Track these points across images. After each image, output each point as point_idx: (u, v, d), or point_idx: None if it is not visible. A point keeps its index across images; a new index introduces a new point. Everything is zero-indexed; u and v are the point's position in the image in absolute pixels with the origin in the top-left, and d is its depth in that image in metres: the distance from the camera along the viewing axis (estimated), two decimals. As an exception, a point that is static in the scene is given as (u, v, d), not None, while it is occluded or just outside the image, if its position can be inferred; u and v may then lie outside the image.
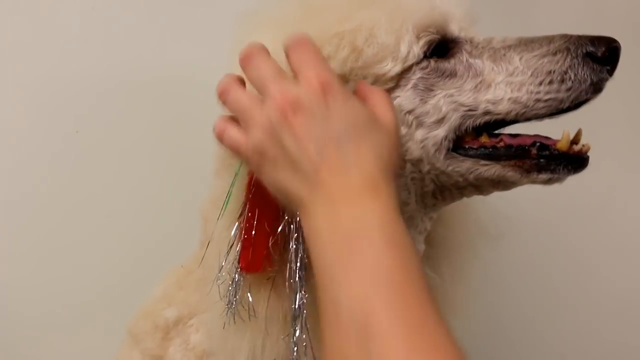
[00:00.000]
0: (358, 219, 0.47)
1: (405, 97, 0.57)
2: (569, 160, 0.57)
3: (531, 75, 0.57)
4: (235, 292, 0.56)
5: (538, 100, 0.56)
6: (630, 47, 1.13)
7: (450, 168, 0.58)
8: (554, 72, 0.56)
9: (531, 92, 0.56)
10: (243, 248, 0.56)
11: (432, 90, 0.57)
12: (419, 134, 0.57)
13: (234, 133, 0.53)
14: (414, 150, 0.57)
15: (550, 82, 0.56)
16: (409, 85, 0.57)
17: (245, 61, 0.53)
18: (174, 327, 0.69)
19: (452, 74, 0.58)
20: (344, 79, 0.55)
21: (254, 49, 0.53)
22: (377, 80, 0.56)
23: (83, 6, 0.94)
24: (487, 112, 0.57)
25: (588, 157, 0.58)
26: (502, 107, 0.57)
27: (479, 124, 0.58)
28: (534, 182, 0.58)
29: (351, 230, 0.47)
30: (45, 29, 0.94)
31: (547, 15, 1.12)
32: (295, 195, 0.50)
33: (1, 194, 0.94)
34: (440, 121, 0.57)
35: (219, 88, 0.54)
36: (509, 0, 1.10)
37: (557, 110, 0.57)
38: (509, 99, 0.57)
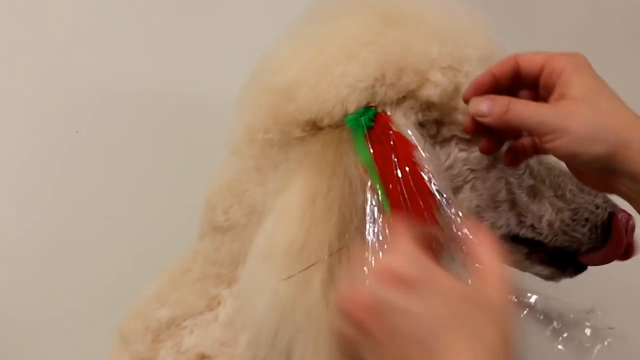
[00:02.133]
0: None
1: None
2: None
3: (572, 210, 0.58)
4: None
5: (565, 232, 0.58)
6: (630, 47, 1.14)
7: None
8: (588, 220, 0.58)
9: (563, 221, 0.58)
10: None
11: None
12: None
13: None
14: None
15: (583, 225, 0.58)
16: None
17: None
18: (166, 329, 0.65)
19: None
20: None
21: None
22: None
23: (83, 6, 0.95)
24: (532, 227, 0.58)
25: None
26: (542, 226, 0.58)
27: (518, 235, 0.59)
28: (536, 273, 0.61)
29: None
30: (45, 29, 0.94)
31: (547, 15, 1.12)
32: None
33: (1, 194, 0.94)
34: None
35: None
36: (509, 0, 1.10)
37: (571, 247, 0.59)
38: (547, 219, 0.58)
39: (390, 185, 0.49)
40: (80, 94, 0.95)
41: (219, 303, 0.63)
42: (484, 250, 0.45)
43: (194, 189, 0.99)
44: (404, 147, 0.51)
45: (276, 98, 0.56)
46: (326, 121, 0.54)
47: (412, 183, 0.49)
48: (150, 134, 0.98)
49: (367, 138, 0.52)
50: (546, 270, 0.61)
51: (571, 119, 0.48)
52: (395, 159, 0.50)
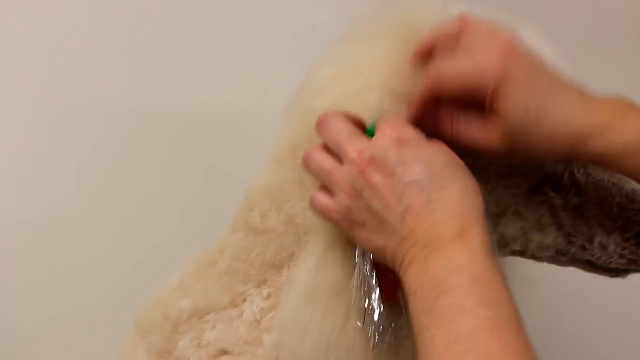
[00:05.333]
0: (446, 264, 0.45)
1: None
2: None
3: (620, 227, 0.57)
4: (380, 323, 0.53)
5: (622, 255, 0.57)
6: (630, 47, 1.14)
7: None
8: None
9: (617, 244, 0.57)
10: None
11: None
12: None
13: (322, 199, 0.52)
14: None
15: (637, 244, 0.57)
16: None
17: (320, 127, 0.52)
18: (187, 321, 0.65)
19: None
20: None
21: (327, 114, 0.52)
22: None
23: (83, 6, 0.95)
24: (582, 247, 0.58)
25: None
26: (593, 247, 0.58)
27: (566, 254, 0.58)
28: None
29: (439, 277, 0.45)
30: (45, 30, 0.94)
31: (547, 15, 1.12)
32: (388, 250, 0.48)
33: (2, 194, 0.94)
34: None
35: (304, 156, 0.53)
36: (509, 1, 1.09)
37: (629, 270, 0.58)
38: (599, 241, 0.57)
39: None
40: (81, 94, 0.95)
41: (244, 300, 0.63)
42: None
43: (194, 189, 0.99)
44: None
45: (314, 121, 0.56)
46: None
47: None
48: (150, 134, 0.97)
49: None
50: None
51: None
52: None
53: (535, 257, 0.59)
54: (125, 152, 0.97)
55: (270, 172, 0.61)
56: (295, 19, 1.00)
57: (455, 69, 0.51)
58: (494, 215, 0.56)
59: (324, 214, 0.53)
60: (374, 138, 0.50)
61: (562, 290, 1.11)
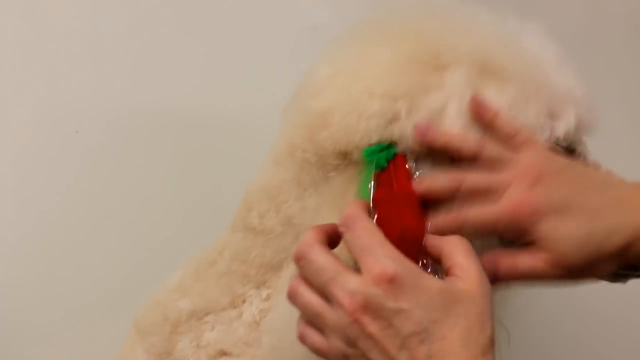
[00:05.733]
0: None
1: None
2: None
3: None
4: None
5: None
6: (630, 47, 1.14)
7: None
8: None
9: None
10: None
11: None
12: None
13: (315, 339, 0.48)
14: None
15: None
16: None
17: (298, 262, 0.48)
18: (186, 322, 0.64)
19: None
20: None
21: (304, 245, 0.48)
22: None
23: (81, 8, 0.95)
24: None
25: None
26: None
27: None
28: None
29: None
30: (46, 30, 0.94)
31: (547, 16, 1.11)
32: None
33: (1, 194, 0.94)
34: None
35: (289, 288, 0.49)
36: (508, 1, 1.09)
37: None
38: None
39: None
40: (80, 94, 0.94)
41: (243, 301, 0.63)
42: (442, 240, 0.48)
43: (194, 189, 0.99)
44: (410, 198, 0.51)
45: (312, 121, 0.56)
46: (355, 155, 0.54)
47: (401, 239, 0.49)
48: (149, 134, 0.97)
49: (376, 178, 0.52)
50: None
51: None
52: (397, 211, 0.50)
53: None
54: (124, 152, 0.96)
55: (268, 173, 0.61)
56: (295, 19, 1.00)
57: (483, 218, 0.49)
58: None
59: (319, 354, 0.49)
60: (363, 276, 0.45)
61: (562, 290, 1.11)
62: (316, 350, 0.49)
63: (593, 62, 1.08)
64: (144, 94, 0.96)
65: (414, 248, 0.50)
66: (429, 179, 0.52)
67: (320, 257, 0.47)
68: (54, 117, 0.94)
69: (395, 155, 0.53)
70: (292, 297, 0.49)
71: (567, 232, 0.48)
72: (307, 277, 0.48)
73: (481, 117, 0.53)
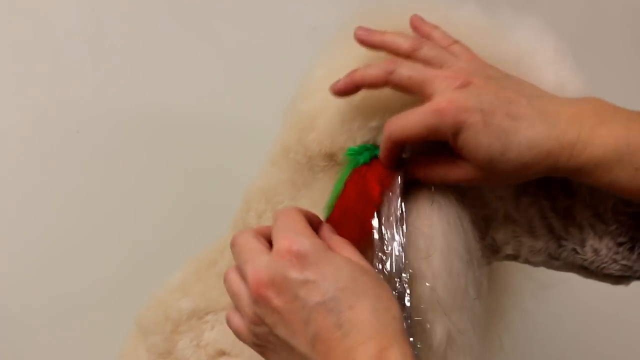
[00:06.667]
0: None
1: None
2: None
3: (613, 232, 0.55)
4: None
5: (614, 260, 0.54)
6: (630, 47, 1.14)
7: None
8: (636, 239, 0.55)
9: (609, 248, 0.54)
10: None
11: None
12: None
13: (235, 321, 0.49)
14: None
15: (630, 250, 0.54)
16: None
17: (231, 247, 0.49)
18: (187, 321, 0.65)
19: None
20: None
21: (237, 233, 0.49)
22: None
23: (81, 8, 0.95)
24: (574, 251, 0.55)
25: None
26: (585, 252, 0.55)
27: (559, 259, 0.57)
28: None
29: None
30: (46, 30, 0.94)
31: (547, 16, 1.11)
32: None
33: (1, 194, 0.94)
34: None
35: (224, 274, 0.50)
36: (508, 1, 1.09)
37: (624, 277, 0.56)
38: (591, 245, 0.55)
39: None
40: (80, 94, 0.95)
41: None
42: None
43: (195, 189, 0.99)
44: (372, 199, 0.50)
45: (301, 123, 0.56)
46: (340, 157, 0.54)
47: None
48: (150, 134, 0.98)
49: (348, 176, 0.52)
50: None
51: None
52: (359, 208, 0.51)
53: (528, 262, 0.57)
54: (125, 152, 0.97)
55: (266, 173, 0.61)
56: (295, 19, 1.00)
57: (406, 127, 0.48)
58: (485, 219, 0.55)
59: (238, 337, 0.50)
60: (272, 253, 0.46)
61: (562, 290, 1.11)
62: (235, 332, 0.49)
63: (592, 62, 1.08)
64: (144, 95, 0.97)
65: (369, 246, 0.50)
66: (362, 68, 0.51)
67: (243, 240, 0.48)
68: (55, 117, 0.94)
69: (374, 157, 0.52)
70: (224, 282, 0.49)
71: (486, 142, 0.47)
72: (235, 260, 0.48)
73: (420, 30, 0.53)
